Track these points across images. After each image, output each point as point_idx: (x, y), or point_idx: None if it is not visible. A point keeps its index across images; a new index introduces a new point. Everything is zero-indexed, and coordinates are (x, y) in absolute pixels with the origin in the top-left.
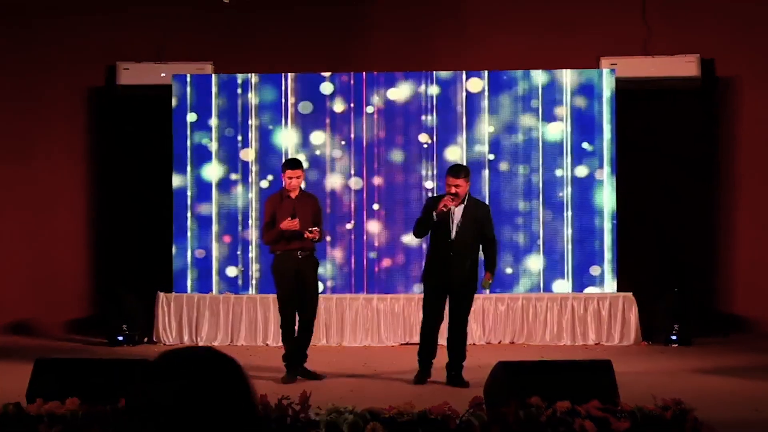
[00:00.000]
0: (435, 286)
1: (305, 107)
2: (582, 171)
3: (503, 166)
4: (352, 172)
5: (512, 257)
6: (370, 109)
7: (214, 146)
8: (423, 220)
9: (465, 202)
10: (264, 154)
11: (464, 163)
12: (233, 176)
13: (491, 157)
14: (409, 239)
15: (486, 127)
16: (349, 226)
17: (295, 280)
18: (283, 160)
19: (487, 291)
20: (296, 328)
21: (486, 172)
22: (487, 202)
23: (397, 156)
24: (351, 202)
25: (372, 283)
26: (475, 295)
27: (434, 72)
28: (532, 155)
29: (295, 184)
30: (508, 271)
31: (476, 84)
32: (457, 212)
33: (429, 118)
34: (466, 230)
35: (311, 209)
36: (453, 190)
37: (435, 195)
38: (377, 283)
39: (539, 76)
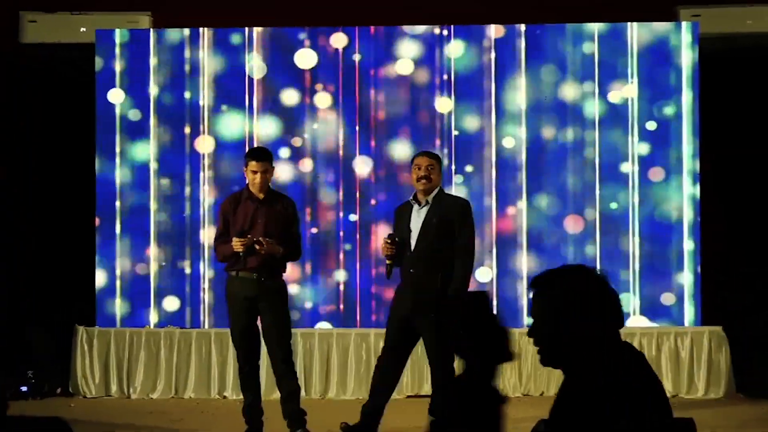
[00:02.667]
0: (396, 315)
1: (272, 71)
2: (653, 160)
3: (545, 153)
4: (341, 161)
5: None
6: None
7: (152, 126)
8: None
9: (430, 200)
10: (219, 138)
11: (493, 151)
12: (178, 167)
13: (523, 134)
14: None
15: (520, 102)
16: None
17: (249, 311)
18: (247, 148)
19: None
20: (259, 372)
21: (522, 162)
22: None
23: (402, 142)
24: (339, 202)
25: (367, 312)
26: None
27: (452, 26)
28: (586, 139)
29: (260, 180)
30: None
31: (506, 40)
32: (420, 214)
33: (445, 87)
34: (431, 237)
35: (281, 217)
36: (423, 173)
37: (402, 203)
38: (375, 314)
39: (594, 32)
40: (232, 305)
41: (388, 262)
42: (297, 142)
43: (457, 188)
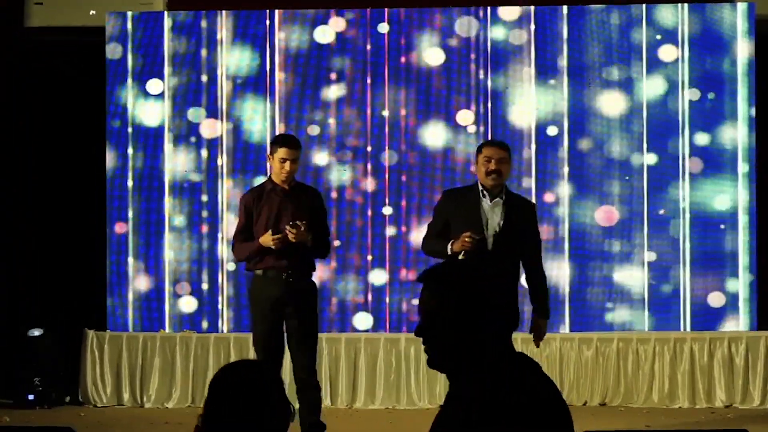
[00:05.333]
0: None
1: (293, 55)
2: (705, 154)
3: (585, 145)
4: (369, 160)
5: (603, 279)
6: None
7: (166, 116)
8: (436, 243)
9: (504, 197)
10: (238, 128)
11: (533, 143)
12: (194, 159)
13: (565, 125)
14: None
15: (562, 91)
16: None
17: (274, 313)
18: (268, 135)
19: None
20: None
21: (563, 153)
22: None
23: (433, 139)
24: (368, 198)
25: (397, 315)
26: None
27: (489, 8)
28: (633, 128)
29: (289, 170)
30: (595, 297)
31: (547, 22)
32: (495, 211)
33: (482, 77)
34: (510, 239)
35: (308, 210)
36: (494, 166)
37: (454, 188)
38: (405, 317)
39: (641, 12)
40: (256, 306)
41: (461, 256)
42: (314, 130)
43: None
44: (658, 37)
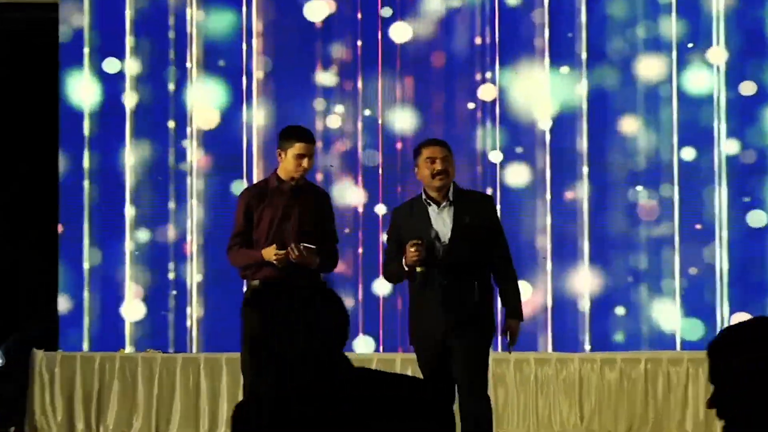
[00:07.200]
0: (426, 339)
1: (273, 36)
2: (743, 156)
3: (610, 143)
4: (360, 158)
5: (628, 295)
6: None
7: (128, 107)
8: (393, 266)
9: (451, 197)
10: (211, 119)
11: (547, 138)
12: (160, 155)
13: (584, 119)
14: None
15: (581, 82)
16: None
17: None
18: (244, 128)
19: (510, 353)
20: None
21: (582, 148)
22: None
23: (432, 132)
24: (359, 202)
25: (394, 333)
26: (559, 355)
27: None
28: (662, 128)
29: (307, 167)
30: (620, 311)
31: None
32: (443, 217)
33: (488, 65)
34: (464, 241)
35: (315, 213)
36: (440, 166)
37: (400, 205)
38: (400, 333)
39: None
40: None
41: (419, 269)
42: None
43: (505, 185)
44: (690, 45)
